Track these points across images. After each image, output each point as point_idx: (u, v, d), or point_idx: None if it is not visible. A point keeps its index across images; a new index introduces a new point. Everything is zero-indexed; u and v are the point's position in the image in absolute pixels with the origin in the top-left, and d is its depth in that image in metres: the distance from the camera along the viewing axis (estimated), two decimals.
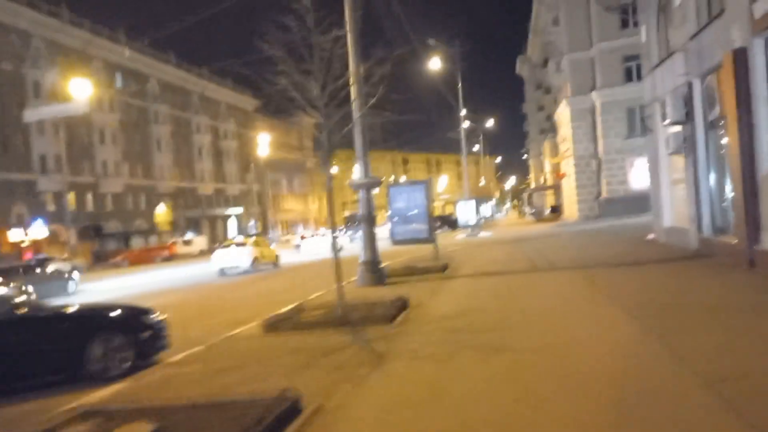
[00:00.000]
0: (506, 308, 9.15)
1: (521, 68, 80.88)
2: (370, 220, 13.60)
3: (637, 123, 39.19)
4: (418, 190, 18.10)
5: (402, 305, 9.58)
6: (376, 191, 15.08)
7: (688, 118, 13.69)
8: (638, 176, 38.61)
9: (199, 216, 73.27)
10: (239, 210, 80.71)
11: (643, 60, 18.11)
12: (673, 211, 16.44)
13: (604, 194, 39.82)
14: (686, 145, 14.02)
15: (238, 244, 26.40)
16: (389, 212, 18.58)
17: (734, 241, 11.55)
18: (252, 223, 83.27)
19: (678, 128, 14.33)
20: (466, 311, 9.06)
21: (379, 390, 5.46)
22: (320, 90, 8.70)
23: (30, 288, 19.44)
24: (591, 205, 40.91)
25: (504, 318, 8.27)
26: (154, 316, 8.26)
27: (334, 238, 9.32)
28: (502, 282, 12.31)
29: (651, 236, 18.49)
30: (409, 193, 18.23)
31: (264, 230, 79.92)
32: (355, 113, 11.28)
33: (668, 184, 16.66)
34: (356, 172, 13.80)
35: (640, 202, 37.24)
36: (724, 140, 12.15)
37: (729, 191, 12.25)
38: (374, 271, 13.63)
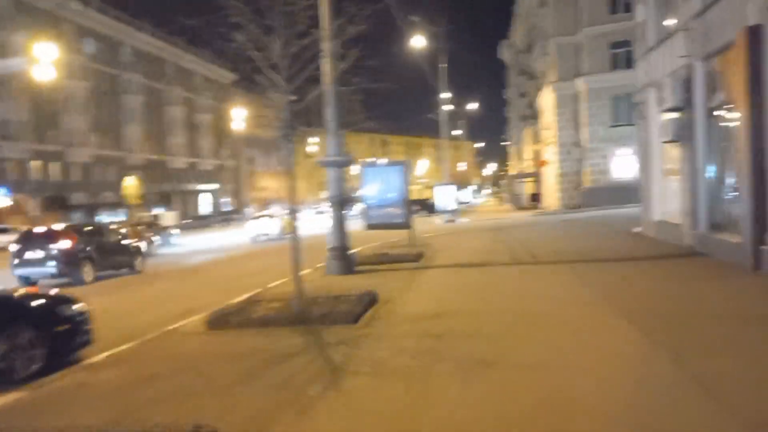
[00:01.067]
0: (489, 309, 8.01)
1: (504, 53, 79.55)
2: (339, 203, 12.38)
3: (622, 112, 38.39)
4: (395, 172, 16.94)
5: (370, 300, 8.43)
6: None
7: (687, 103, 12.66)
8: (621, 166, 37.92)
9: (170, 190, 71.19)
10: (214, 186, 78.80)
11: (637, 42, 17.06)
12: (665, 203, 15.48)
13: (586, 183, 39.05)
14: (684, 133, 13.00)
15: (271, 216, 30.64)
16: (362, 194, 17.39)
17: (736, 240, 10.58)
18: (226, 200, 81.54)
19: (675, 115, 13.31)
20: (442, 311, 7.93)
21: (329, 424, 4.29)
22: (283, 47, 7.43)
23: None
24: (572, 194, 40.12)
25: (487, 322, 7.15)
26: (75, 306, 6.98)
27: (293, 219, 8.08)
28: (482, 276, 11.21)
29: (638, 229, 17.58)
30: (385, 175, 17.06)
31: (238, 207, 78.26)
32: (325, 77, 9.98)
33: (660, 174, 15.69)
34: (327, 148, 12.53)
35: (622, 193, 36.57)
36: (728, 128, 11.15)
37: (731, 184, 11.28)
38: (343, 258, 12.45)
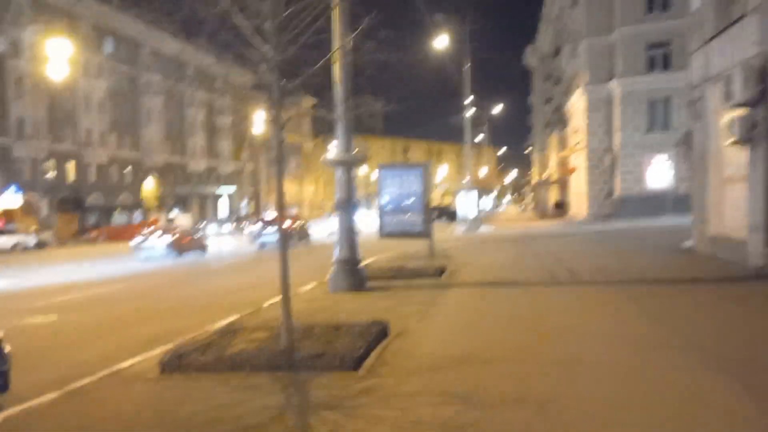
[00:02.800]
0: (534, 353, 6.09)
1: (529, 59, 77.45)
2: (348, 208, 10.62)
3: (659, 116, 36.15)
4: (415, 175, 15.16)
5: (378, 333, 6.63)
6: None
7: (761, 97, 10.71)
8: (656, 174, 35.66)
9: (189, 193, 70.22)
10: (231, 189, 77.72)
11: (692, 33, 15.05)
12: (723, 216, 13.46)
13: (618, 192, 36.80)
14: (754, 133, 11.04)
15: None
16: (379, 199, 15.63)
17: None
18: (244, 202, 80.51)
19: (744, 111, 11.35)
20: (471, 352, 6.09)
21: None
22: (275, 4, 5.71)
23: None
24: (602, 203, 37.88)
25: (533, 375, 5.23)
26: None
27: (281, 225, 6.30)
28: (517, 300, 9.34)
29: (688, 244, 15.55)
30: (403, 178, 15.29)
31: (257, 211, 77.10)
32: (336, 59, 8.25)
33: (719, 182, 13.67)
34: (334, 145, 10.79)
35: (657, 203, 34.29)
36: None
37: None
38: (351, 272, 10.68)
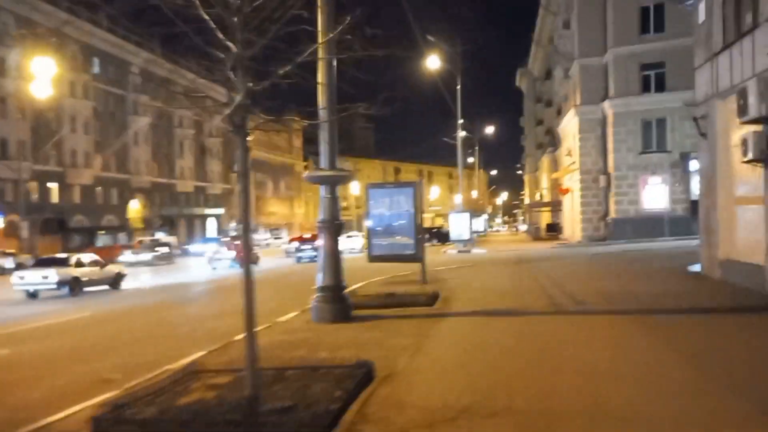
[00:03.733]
0: (551, 405, 4.95)
1: (520, 81, 77.46)
2: (332, 229, 9.67)
3: (653, 137, 35.52)
4: (405, 194, 14.26)
5: (362, 377, 5.63)
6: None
7: None
8: (651, 196, 34.97)
9: (176, 214, 69.01)
10: (220, 210, 76.63)
11: (697, 48, 14.34)
12: (736, 238, 12.60)
13: (612, 214, 36.04)
14: None
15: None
16: (367, 220, 14.71)
17: None
18: (234, 224, 79.40)
19: (759, 127, 10.56)
20: (473, 403, 5.04)
21: None
22: None
23: None
24: (596, 225, 37.11)
25: None
26: None
27: (247, 246, 5.30)
28: (520, 331, 8.34)
29: (695, 268, 14.70)
30: (393, 197, 14.39)
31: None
32: (320, 69, 7.35)
33: (730, 203, 12.84)
34: (320, 160, 9.85)
35: (653, 225, 33.51)
36: None
37: None
38: (335, 301, 9.68)
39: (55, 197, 52.24)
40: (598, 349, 7.04)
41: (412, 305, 10.92)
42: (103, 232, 54.41)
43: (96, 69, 57.46)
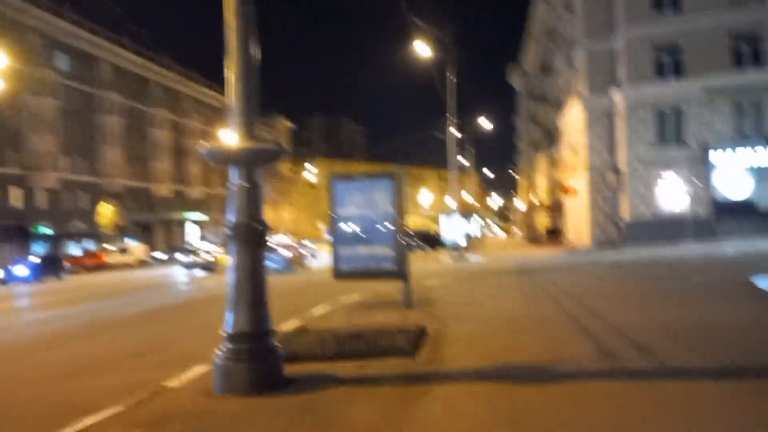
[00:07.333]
0: None
1: (513, 77, 73.78)
2: (247, 236, 5.77)
3: (671, 128, 31.83)
4: (382, 189, 10.50)
5: None
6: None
7: None
8: (669, 195, 31.25)
9: (152, 220, 64.93)
10: (201, 216, 72.60)
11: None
12: None
13: (625, 216, 32.28)
14: None
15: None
16: (332, 225, 10.86)
17: None
18: (216, 233, 75.46)
19: None
20: None
21: None
22: None
23: None
24: (607, 228, 33.34)
25: None
26: None
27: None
28: (573, 426, 4.47)
29: (763, 282, 10.95)
30: (366, 194, 10.63)
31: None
32: None
33: None
34: (230, 128, 5.95)
35: (673, 228, 29.64)
36: None
37: None
38: (255, 356, 5.72)
39: (16, 202, 48.34)
40: None
41: (383, 354, 7.01)
42: (70, 238, 50.69)
43: (62, 63, 53.44)
